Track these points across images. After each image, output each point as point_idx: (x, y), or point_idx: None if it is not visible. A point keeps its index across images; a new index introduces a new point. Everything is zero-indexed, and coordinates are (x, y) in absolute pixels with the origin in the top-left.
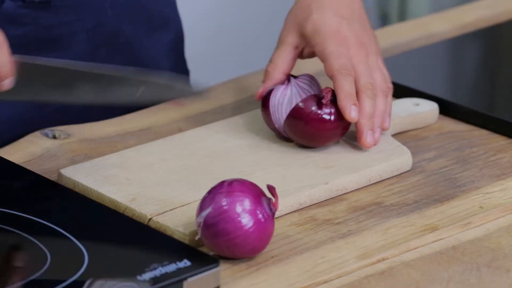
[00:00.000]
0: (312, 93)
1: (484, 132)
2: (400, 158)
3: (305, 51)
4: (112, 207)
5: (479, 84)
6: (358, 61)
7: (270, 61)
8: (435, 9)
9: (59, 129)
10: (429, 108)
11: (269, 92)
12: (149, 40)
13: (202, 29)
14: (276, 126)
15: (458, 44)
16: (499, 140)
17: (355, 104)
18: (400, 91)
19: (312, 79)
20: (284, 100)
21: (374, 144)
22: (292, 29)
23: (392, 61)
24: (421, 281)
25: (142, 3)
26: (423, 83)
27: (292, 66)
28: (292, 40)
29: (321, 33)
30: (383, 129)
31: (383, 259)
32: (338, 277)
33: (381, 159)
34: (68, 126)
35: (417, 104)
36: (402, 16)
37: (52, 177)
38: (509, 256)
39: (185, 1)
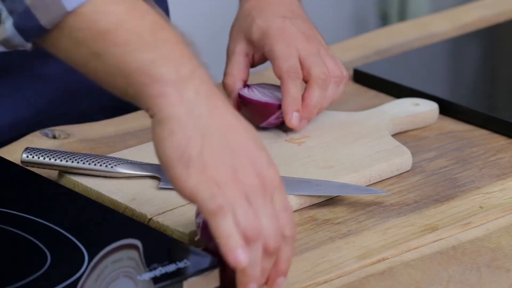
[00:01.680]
0: (273, 93)
1: (484, 132)
2: (400, 158)
3: (255, 57)
4: (112, 207)
5: (479, 84)
6: (308, 53)
7: (225, 74)
8: (435, 9)
9: (59, 129)
10: (429, 108)
11: (239, 94)
12: None
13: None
14: None
15: (458, 44)
16: (499, 140)
17: (297, 110)
18: (400, 91)
19: (268, 84)
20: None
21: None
22: (238, 39)
23: (392, 61)
24: (421, 281)
25: None
26: (423, 83)
27: (247, 73)
28: (240, 49)
29: (267, 34)
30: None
31: (383, 259)
32: (338, 277)
33: (381, 159)
34: (68, 126)
35: (417, 104)
36: (402, 16)
37: (52, 177)
38: (509, 256)
39: (177, 11)
